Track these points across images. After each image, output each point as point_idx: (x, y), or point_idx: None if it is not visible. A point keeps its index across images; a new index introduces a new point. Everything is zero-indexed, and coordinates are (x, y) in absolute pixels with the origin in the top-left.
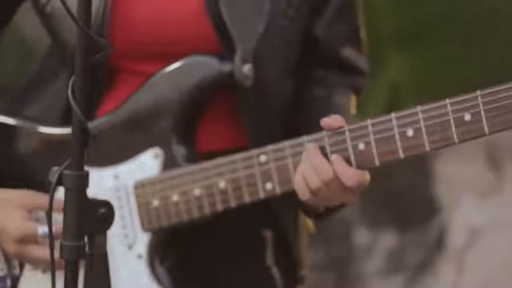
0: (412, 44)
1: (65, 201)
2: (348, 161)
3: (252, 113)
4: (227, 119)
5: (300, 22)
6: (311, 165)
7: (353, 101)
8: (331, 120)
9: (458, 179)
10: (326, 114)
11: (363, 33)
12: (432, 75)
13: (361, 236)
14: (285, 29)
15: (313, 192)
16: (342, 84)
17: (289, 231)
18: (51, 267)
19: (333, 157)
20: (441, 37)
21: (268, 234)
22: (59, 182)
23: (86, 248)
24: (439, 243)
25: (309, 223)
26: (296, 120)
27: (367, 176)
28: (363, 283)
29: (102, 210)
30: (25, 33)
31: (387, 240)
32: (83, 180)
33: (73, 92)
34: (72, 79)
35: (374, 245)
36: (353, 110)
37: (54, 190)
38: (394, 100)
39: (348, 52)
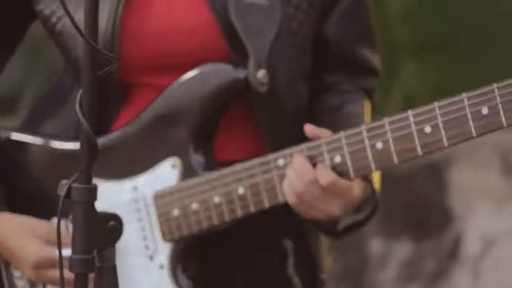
0: (425, 52)
1: (74, 214)
2: (367, 160)
3: (268, 118)
4: (243, 128)
5: (310, 25)
6: (294, 169)
7: (367, 107)
8: (316, 130)
9: (473, 187)
10: (339, 125)
11: (377, 36)
12: (445, 83)
13: (376, 245)
14: (295, 33)
15: (298, 196)
16: (354, 89)
17: (310, 237)
18: (60, 283)
19: (318, 164)
20: (454, 44)
21: (289, 244)
22: (68, 196)
23: (96, 261)
24: (454, 252)
25: None
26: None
27: (344, 183)
28: None
29: (111, 223)
30: (44, 49)
31: (402, 249)
32: (92, 194)
33: (80, 105)
34: (79, 93)
35: (389, 254)
36: (367, 118)
37: (63, 203)
38: (408, 108)
39: (361, 51)
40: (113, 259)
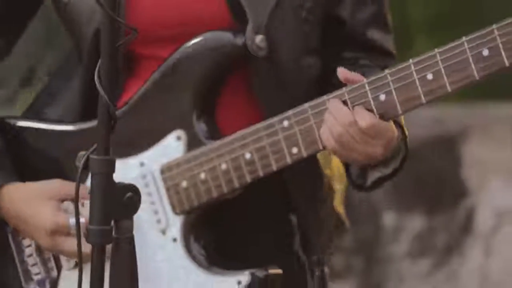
0: (438, 29)
1: (92, 186)
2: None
3: (267, 87)
4: (245, 102)
5: (317, 1)
6: (331, 112)
7: None
8: (348, 73)
9: (486, 162)
10: None
11: (390, 17)
12: None
13: (389, 218)
14: (300, 6)
15: (336, 139)
16: (374, 65)
17: (307, 219)
18: (78, 253)
19: (356, 107)
20: (466, 21)
21: (294, 219)
22: (86, 167)
23: (113, 232)
24: (467, 226)
25: (341, 211)
26: None
27: (383, 123)
28: (391, 265)
29: (129, 194)
30: (60, 30)
31: (415, 222)
32: (110, 165)
33: (99, 77)
34: (98, 64)
35: (402, 227)
36: None
37: (81, 174)
38: None
39: (374, 34)
40: (130, 230)
